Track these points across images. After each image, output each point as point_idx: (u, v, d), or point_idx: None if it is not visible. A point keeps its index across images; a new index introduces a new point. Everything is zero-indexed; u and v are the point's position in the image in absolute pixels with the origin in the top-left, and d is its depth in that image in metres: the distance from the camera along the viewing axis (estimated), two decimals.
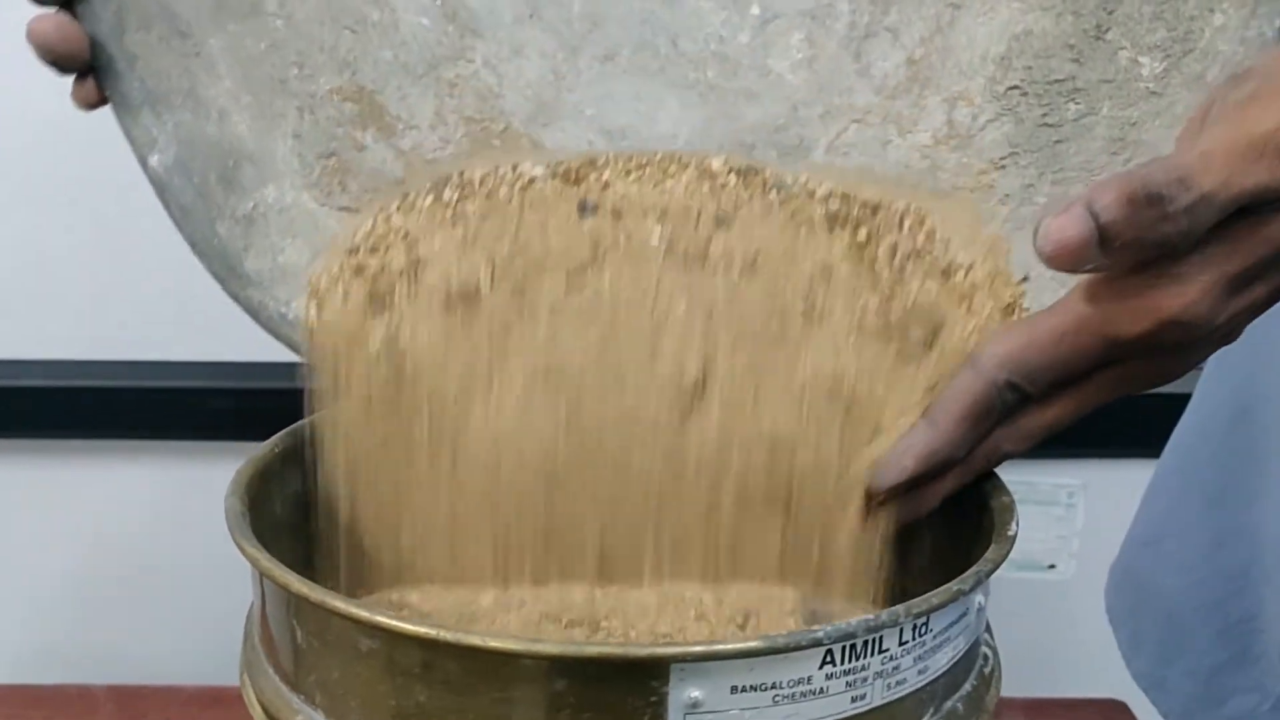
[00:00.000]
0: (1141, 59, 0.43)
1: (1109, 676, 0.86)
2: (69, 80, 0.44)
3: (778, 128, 0.45)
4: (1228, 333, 0.37)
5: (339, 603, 0.36)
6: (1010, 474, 0.82)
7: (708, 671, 0.33)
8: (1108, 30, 0.44)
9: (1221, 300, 0.35)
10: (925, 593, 0.35)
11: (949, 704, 0.38)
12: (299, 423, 0.50)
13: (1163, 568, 0.62)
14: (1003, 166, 0.45)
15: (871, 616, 0.35)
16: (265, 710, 0.40)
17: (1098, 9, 0.44)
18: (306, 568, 0.49)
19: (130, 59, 0.43)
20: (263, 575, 0.39)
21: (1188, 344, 0.36)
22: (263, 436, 0.79)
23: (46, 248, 0.78)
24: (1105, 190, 0.33)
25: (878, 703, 0.36)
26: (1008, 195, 0.44)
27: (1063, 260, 0.33)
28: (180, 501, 0.81)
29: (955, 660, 0.38)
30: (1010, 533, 0.39)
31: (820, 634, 0.34)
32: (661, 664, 0.33)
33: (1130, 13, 0.43)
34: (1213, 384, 0.61)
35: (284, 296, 0.44)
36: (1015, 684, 0.44)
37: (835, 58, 0.46)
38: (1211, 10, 0.43)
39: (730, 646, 0.33)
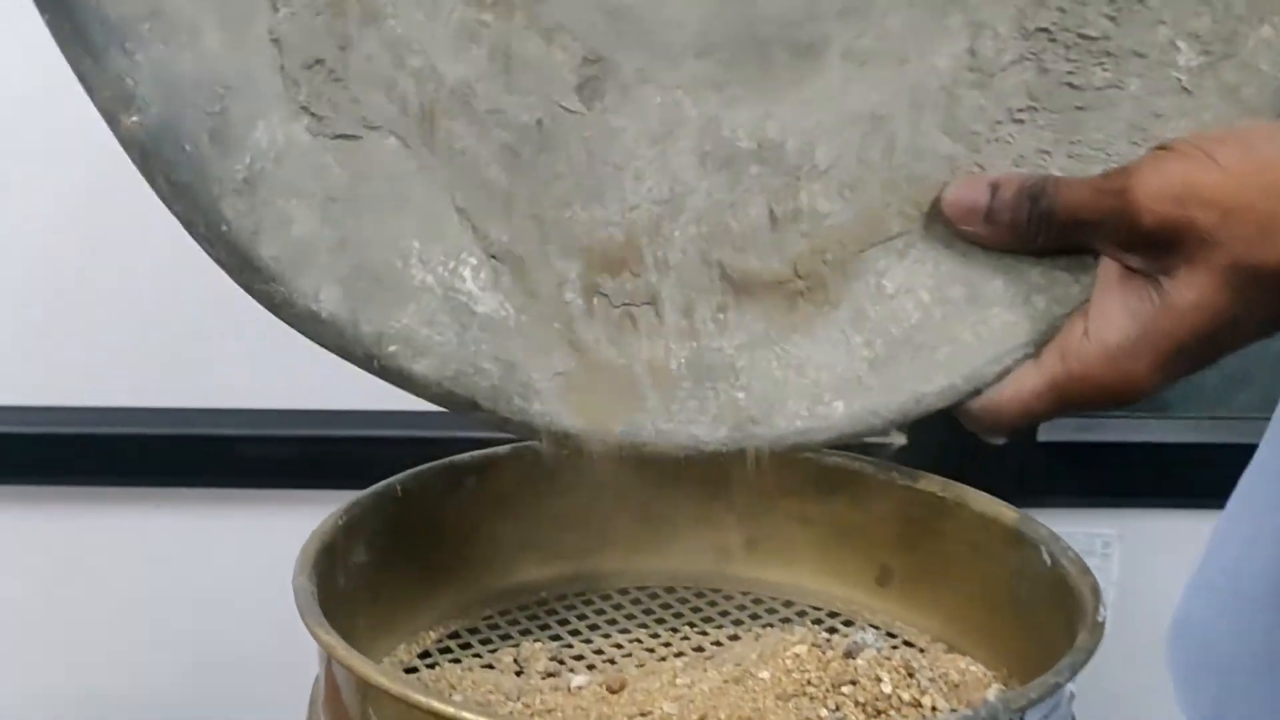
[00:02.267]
0: (1180, 43, 0.42)
1: None
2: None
3: (794, 23, 0.42)
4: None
5: (420, 696, 0.35)
6: (1044, 522, 0.81)
7: None
8: None
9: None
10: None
11: None
12: (362, 493, 0.49)
13: (1226, 615, 0.61)
14: (1020, 120, 0.43)
15: (969, 711, 0.34)
16: None
17: None
18: (373, 638, 0.49)
19: None
20: (334, 660, 0.38)
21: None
22: (297, 484, 0.79)
23: (87, 292, 0.77)
24: (1011, 179, 0.42)
25: None
26: (1021, 157, 0.43)
27: (952, 213, 0.43)
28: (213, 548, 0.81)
29: None
30: (1100, 619, 0.39)
31: None
32: None
33: None
34: None
35: (310, 288, 0.40)
36: None
37: None
38: (1262, 20, 0.41)
39: None
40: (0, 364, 0.78)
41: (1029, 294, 0.43)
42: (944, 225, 0.43)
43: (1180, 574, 0.91)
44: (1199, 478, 0.87)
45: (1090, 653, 0.37)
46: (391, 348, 0.41)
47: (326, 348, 0.41)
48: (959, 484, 0.50)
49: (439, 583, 0.52)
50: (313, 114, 0.40)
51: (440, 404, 0.42)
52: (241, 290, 0.40)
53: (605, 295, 0.43)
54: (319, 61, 0.40)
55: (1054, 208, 0.41)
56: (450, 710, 0.35)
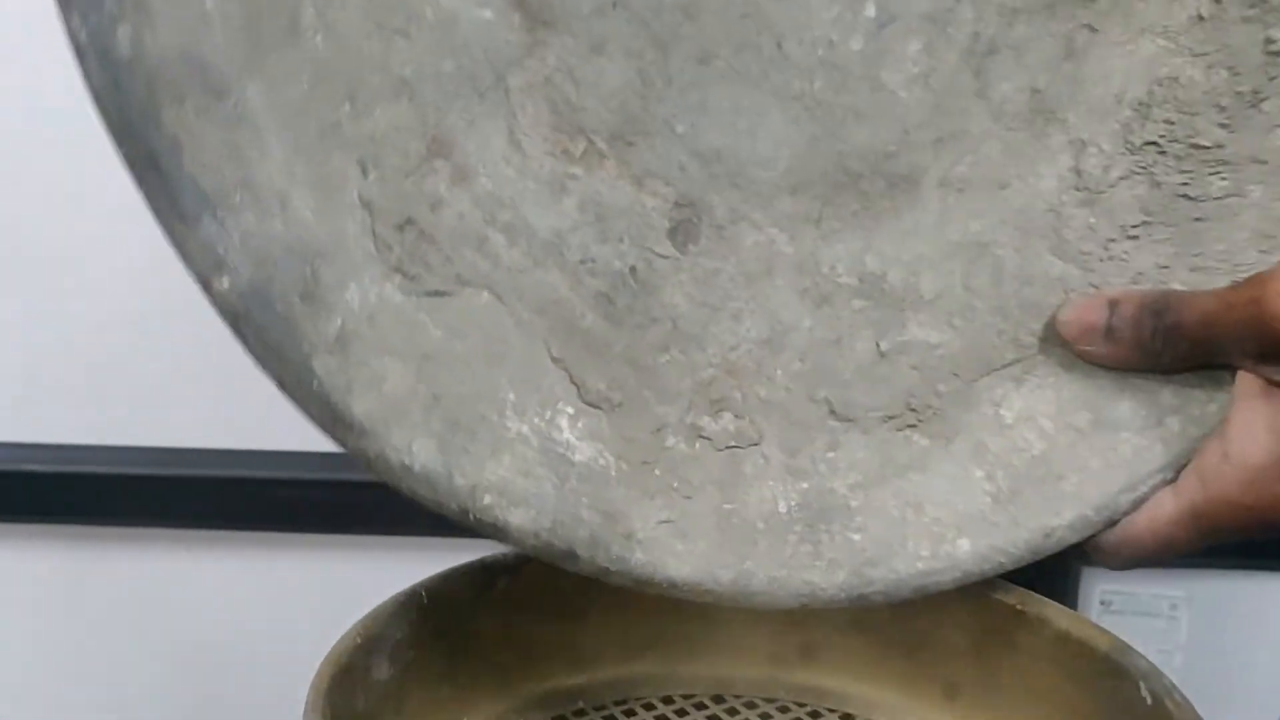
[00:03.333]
0: None
1: None
2: None
3: (887, 154, 0.41)
4: None
5: None
6: (1110, 583, 0.76)
7: None
8: (1265, 100, 0.39)
9: None
10: None
11: None
12: (383, 602, 0.45)
13: None
14: (1134, 236, 0.41)
15: None
16: None
17: (1259, 71, 0.39)
18: None
19: (174, 148, 0.36)
20: None
21: None
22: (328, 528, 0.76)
23: (122, 335, 0.74)
24: (1131, 295, 0.39)
25: None
26: (1140, 274, 0.40)
27: (1069, 334, 0.40)
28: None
29: None
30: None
31: None
32: None
33: None
34: None
35: (403, 443, 0.39)
36: None
37: (953, 73, 0.41)
38: None
39: None
40: (42, 402, 0.76)
41: (1161, 416, 0.40)
42: (1062, 349, 0.40)
43: (1251, 638, 0.86)
44: (1272, 538, 0.82)
45: None
46: (486, 499, 0.39)
47: (420, 501, 0.40)
48: (1040, 598, 0.46)
49: (468, 693, 0.48)
50: (405, 273, 0.39)
51: (537, 555, 0.40)
52: None
53: (708, 439, 0.41)
54: (410, 222, 0.39)
55: (1180, 322, 0.38)
56: None
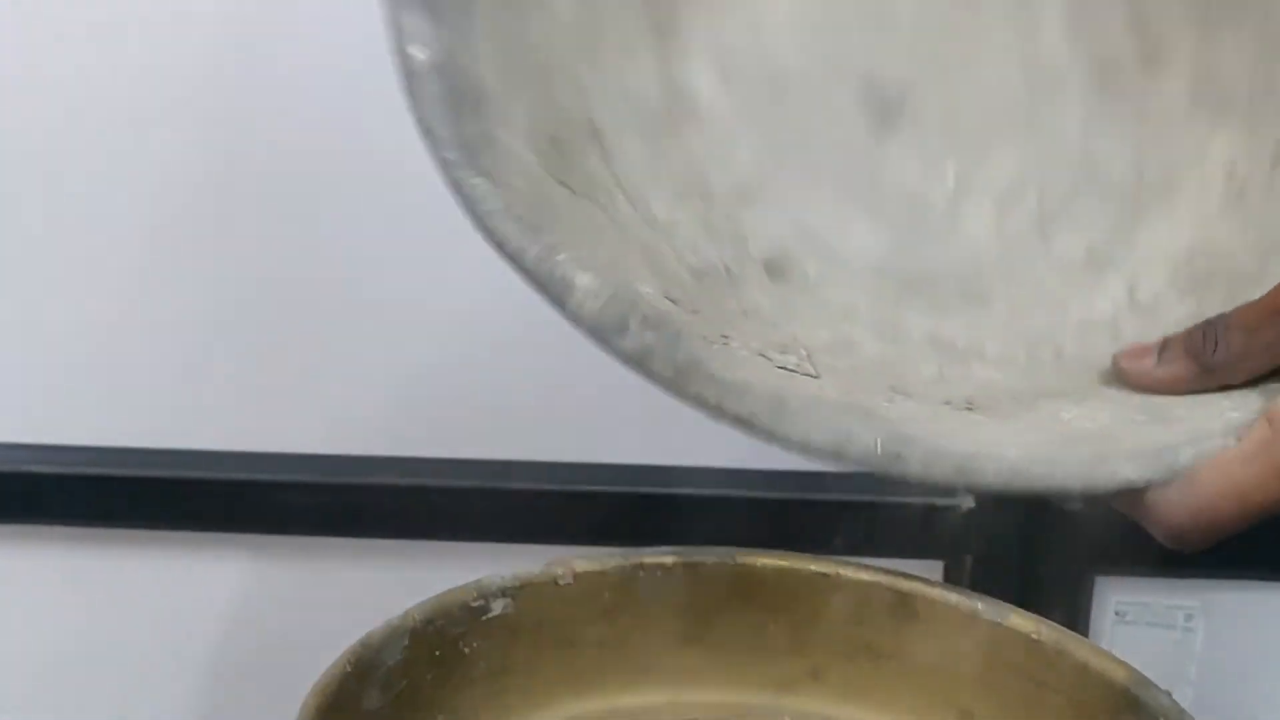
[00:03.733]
0: None
1: None
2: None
3: (963, 276, 0.45)
4: None
5: None
6: (1124, 594, 0.74)
7: None
8: None
9: None
10: None
11: None
12: (373, 629, 0.44)
13: None
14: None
15: None
16: None
17: None
18: None
19: None
20: None
21: None
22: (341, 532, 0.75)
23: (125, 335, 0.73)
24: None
25: None
26: None
27: (1125, 360, 0.40)
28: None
29: None
30: None
31: None
32: None
33: None
34: None
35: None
36: None
37: (1021, 231, 0.45)
38: None
39: None
40: (59, 404, 0.75)
41: (1223, 412, 0.37)
42: (1119, 384, 0.41)
43: (1269, 650, 0.84)
44: None
45: None
46: None
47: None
48: (1058, 628, 0.44)
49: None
50: None
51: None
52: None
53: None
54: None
55: (1230, 323, 0.37)
56: None
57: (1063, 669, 0.43)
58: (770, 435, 0.34)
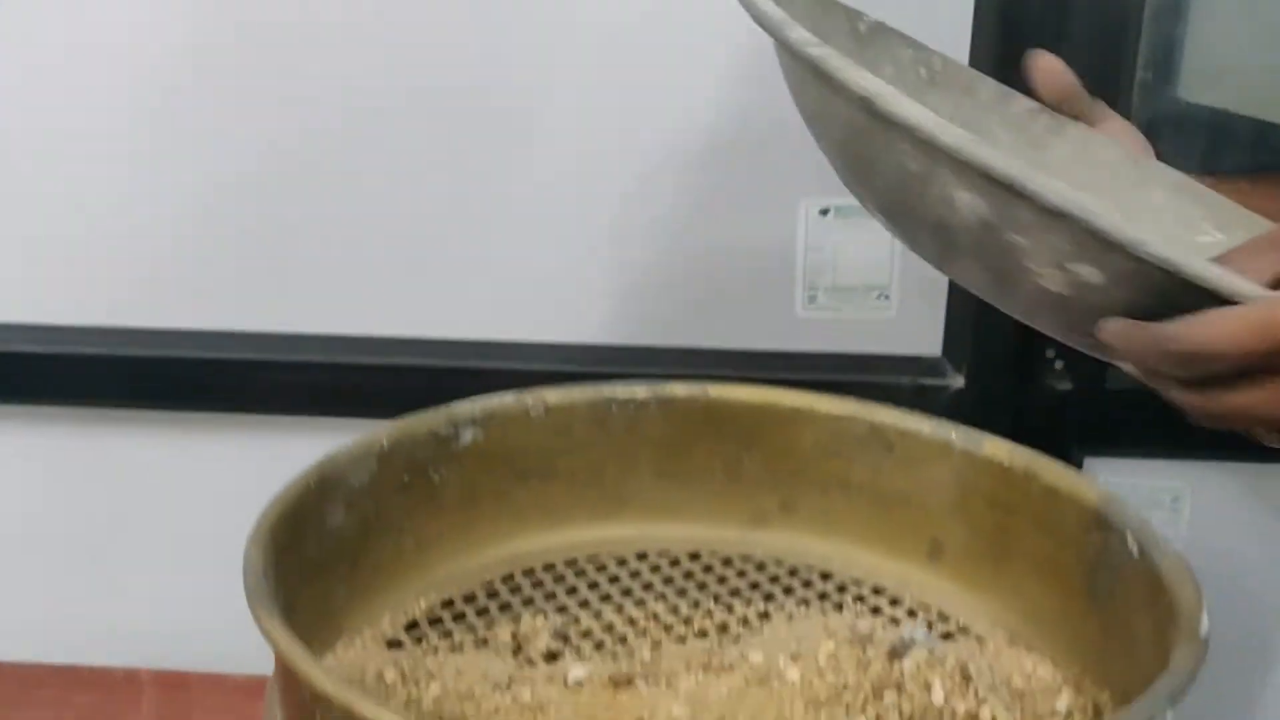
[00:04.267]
0: None
1: (1205, 690, 0.79)
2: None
3: None
4: None
5: (370, 708, 0.29)
6: (1110, 474, 0.74)
7: None
8: None
9: None
10: None
11: None
12: (339, 448, 0.43)
13: None
14: None
15: None
16: None
17: None
18: (354, 608, 0.43)
19: None
20: (285, 661, 0.32)
21: None
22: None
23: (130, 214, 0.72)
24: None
25: None
26: None
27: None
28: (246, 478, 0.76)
29: None
30: (1203, 633, 0.32)
31: None
32: None
33: None
34: None
35: None
36: None
37: None
38: None
39: None
40: (20, 283, 0.74)
41: None
42: None
43: (1254, 532, 0.84)
44: None
45: (1192, 675, 0.30)
46: None
47: None
48: (1030, 450, 0.43)
49: (431, 548, 0.46)
50: None
51: None
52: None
53: None
54: None
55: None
56: None
57: (1033, 494, 0.43)
58: None
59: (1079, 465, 0.85)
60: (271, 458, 0.74)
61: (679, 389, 0.48)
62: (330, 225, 0.69)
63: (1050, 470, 0.42)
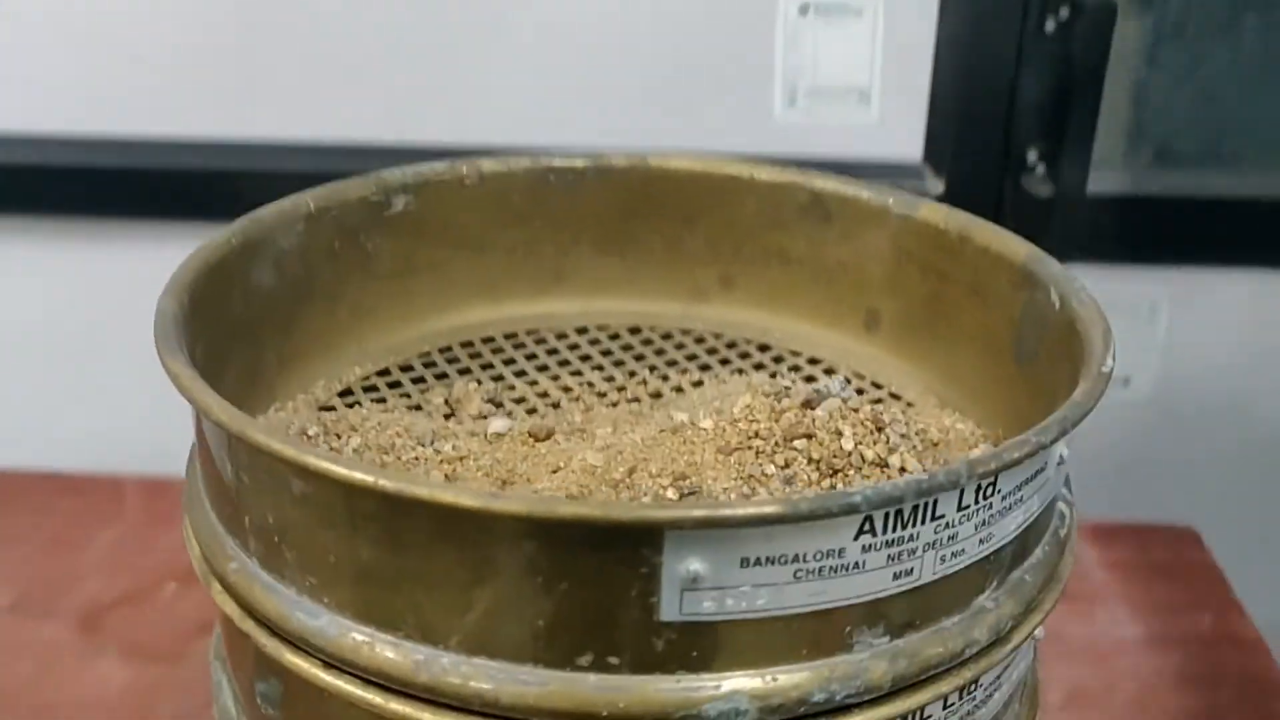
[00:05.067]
0: None
1: (1179, 502, 0.80)
2: None
3: None
4: None
5: (261, 436, 0.29)
6: (1086, 281, 0.74)
7: (712, 540, 0.26)
8: None
9: None
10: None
11: (1014, 575, 0.32)
12: (263, 209, 0.43)
13: None
14: None
15: (924, 477, 0.27)
16: (202, 553, 0.35)
17: None
18: (285, 373, 0.43)
19: None
20: (187, 397, 0.32)
21: None
22: None
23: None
24: None
25: (926, 579, 0.29)
26: None
27: None
28: None
29: (1026, 525, 0.31)
30: (1105, 369, 0.32)
31: (857, 498, 0.27)
32: (654, 530, 0.26)
33: None
34: None
35: None
36: (1080, 506, 0.37)
37: None
38: None
39: (739, 512, 0.26)
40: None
41: None
42: None
43: (1233, 340, 0.83)
44: (1259, 237, 0.79)
45: (1087, 410, 0.30)
46: None
47: None
48: (965, 214, 0.43)
49: (366, 318, 0.46)
50: None
51: None
52: None
53: None
54: None
55: None
56: (309, 460, 0.29)
57: (965, 255, 0.42)
58: None
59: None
60: None
61: (618, 158, 0.48)
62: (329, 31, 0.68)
63: (983, 231, 0.42)
